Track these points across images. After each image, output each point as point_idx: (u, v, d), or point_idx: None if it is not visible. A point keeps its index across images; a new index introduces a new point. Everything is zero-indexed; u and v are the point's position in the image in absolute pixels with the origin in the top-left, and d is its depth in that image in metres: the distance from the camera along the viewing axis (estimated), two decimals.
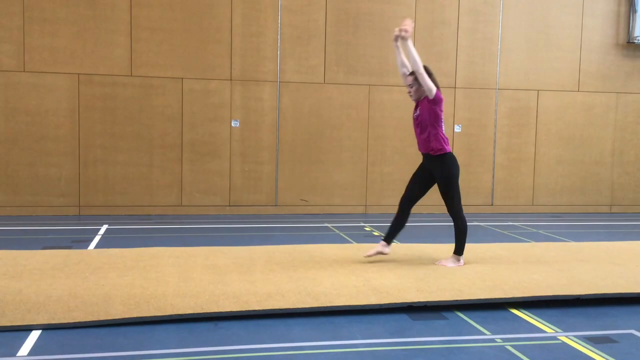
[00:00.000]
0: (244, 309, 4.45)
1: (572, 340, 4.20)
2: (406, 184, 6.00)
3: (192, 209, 9.90)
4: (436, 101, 5.62)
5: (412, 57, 5.54)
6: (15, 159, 9.36)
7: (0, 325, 4.08)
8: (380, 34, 10.27)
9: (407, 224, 5.98)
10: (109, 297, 4.56)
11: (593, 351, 3.99)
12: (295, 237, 7.87)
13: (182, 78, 9.75)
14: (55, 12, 9.34)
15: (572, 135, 11.09)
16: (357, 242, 7.49)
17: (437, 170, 5.73)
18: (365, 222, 9.27)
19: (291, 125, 10.14)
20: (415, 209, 5.99)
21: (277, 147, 10.12)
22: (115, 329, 4.16)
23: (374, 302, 4.67)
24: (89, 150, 9.56)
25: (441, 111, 5.67)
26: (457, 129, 10.66)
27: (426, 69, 5.59)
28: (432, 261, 5.95)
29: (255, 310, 4.46)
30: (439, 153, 5.68)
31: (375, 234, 8.29)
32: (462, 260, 5.84)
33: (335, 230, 8.58)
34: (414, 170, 5.99)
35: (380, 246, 5.89)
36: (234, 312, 4.42)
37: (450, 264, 5.80)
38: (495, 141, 10.84)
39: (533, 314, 4.72)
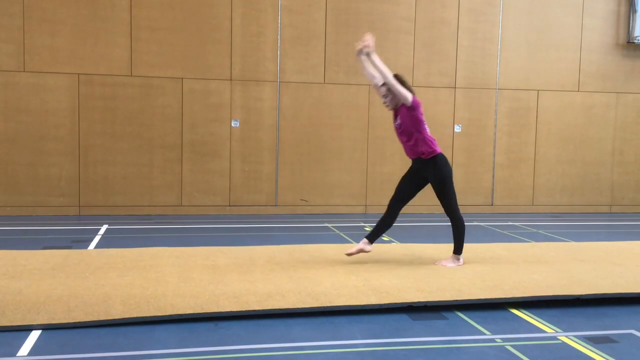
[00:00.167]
0: (244, 309, 4.45)
1: (572, 340, 4.20)
2: None
3: (192, 209, 9.90)
4: (414, 107, 5.61)
5: (379, 69, 5.53)
6: (15, 159, 9.37)
7: (0, 325, 4.08)
8: (380, 34, 10.25)
9: (396, 224, 5.95)
10: (109, 297, 4.56)
11: (593, 351, 3.99)
12: (295, 237, 7.87)
13: (182, 78, 9.75)
14: (55, 12, 9.34)
15: (572, 135, 11.09)
16: (357, 242, 7.48)
17: (431, 173, 5.72)
18: (365, 222, 9.27)
19: (291, 125, 10.14)
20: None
21: (277, 147, 10.12)
22: (115, 329, 4.16)
23: (374, 302, 4.67)
24: (89, 150, 9.56)
25: (422, 114, 5.67)
26: (457, 129, 10.66)
27: (397, 77, 5.60)
28: (432, 261, 5.95)
29: (255, 310, 4.46)
30: (430, 156, 5.68)
31: None
32: (461, 260, 5.84)
33: (335, 230, 8.58)
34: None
35: (362, 244, 5.86)
36: (234, 312, 4.42)
37: (450, 263, 5.80)
38: (495, 141, 10.84)
39: (533, 314, 4.72)
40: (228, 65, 9.88)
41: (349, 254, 5.88)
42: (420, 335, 4.25)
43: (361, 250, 5.86)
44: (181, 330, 4.17)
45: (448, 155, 10.49)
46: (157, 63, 9.66)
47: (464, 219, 5.83)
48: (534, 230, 8.91)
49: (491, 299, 4.83)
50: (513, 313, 4.75)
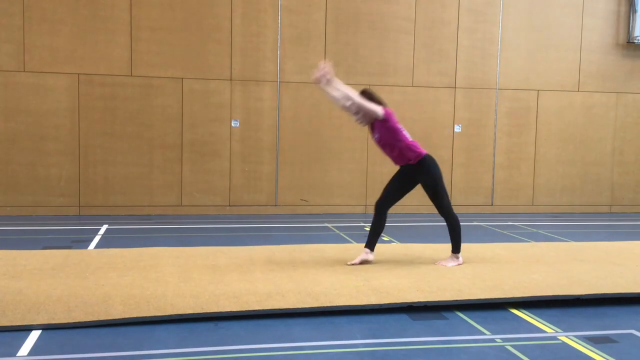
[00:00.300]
0: (244, 309, 4.45)
1: (572, 340, 4.20)
2: None
3: (192, 209, 9.90)
4: (387, 119, 5.62)
5: (343, 94, 5.53)
6: (15, 159, 9.37)
7: (0, 325, 4.08)
8: (380, 34, 10.28)
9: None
10: (109, 297, 4.56)
11: (593, 351, 3.99)
12: (295, 237, 7.87)
13: (182, 78, 9.75)
14: (55, 12, 9.34)
15: (572, 135, 11.09)
16: (357, 242, 7.48)
17: (422, 176, 5.72)
18: (365, 222, 9.26)
19: (291, 125, 10.14)
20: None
21: (277, 147, 10.12)
22: (115, 329, 4.16)
23: (374, 302, 4.67)
24: (89, 150, 9.56)
25: (397, 122, 5.67)
26: (457, 129, 10.66)
27: (365, 92, 5.63)
28: (432, 261, 5.96)
29: (255, 310, 4.46)
30: (417, 160, 5.69)
31: None
32: (461, 258, 5.85)
33: (335, 230, 8.58)
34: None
35: (364, 254, 5.82)
36: (234, 312, 4.42)
37: (450, 263, 5.81)
38: (495, 141, 10.84)
39: (533, 314, 4.72)
40: (228, 65, 9.88)
41: (352, 264, 5.80)
42: (420, 335, 4.25)
43: (365, 261, 5.81)
44: (181, 330, 4.17)
45: (448, 156, 10.60)
46: (157, 63, 9.66)
47: (458, 217, 5.85)
48: (534, 230, 8.91)
49: (491, 299, 4.83)
50: (513, 313, 4.75)
